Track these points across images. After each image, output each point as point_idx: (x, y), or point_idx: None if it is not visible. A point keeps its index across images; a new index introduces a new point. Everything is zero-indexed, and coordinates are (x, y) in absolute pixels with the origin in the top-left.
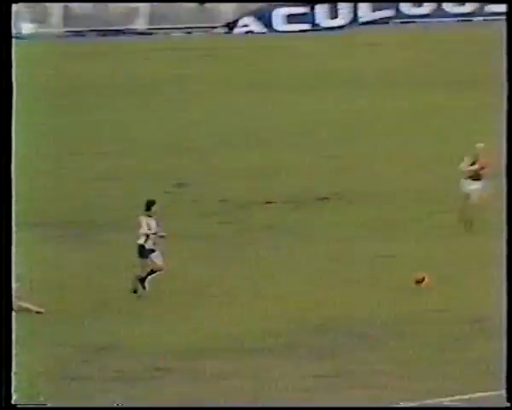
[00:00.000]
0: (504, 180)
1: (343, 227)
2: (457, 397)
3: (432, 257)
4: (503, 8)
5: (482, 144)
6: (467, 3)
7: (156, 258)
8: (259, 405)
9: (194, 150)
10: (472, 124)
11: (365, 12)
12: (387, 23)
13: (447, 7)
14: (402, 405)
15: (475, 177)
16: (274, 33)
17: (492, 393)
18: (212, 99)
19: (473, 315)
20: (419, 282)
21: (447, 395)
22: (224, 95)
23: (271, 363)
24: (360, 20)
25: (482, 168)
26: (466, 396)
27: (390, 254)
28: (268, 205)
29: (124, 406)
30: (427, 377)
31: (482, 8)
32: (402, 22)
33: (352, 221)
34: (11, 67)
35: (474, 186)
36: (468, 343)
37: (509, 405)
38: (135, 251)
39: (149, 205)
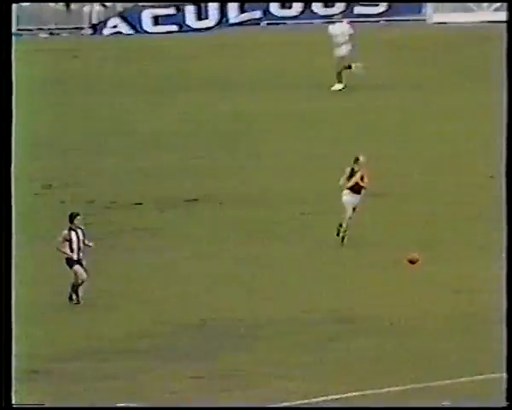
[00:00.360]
0: (504, 180)
1: (212, 228)
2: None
3: (299, 259)
4: (375, 10)
5: (363, 157)
6: (336, 4)
7: (79, 270)
8: (140, 405)
9: (63, 151)
10: (341, 126)
11: (235, 13)
12: (258, 24)
13: (316, 8)
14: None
15: (355, 190)
16: (143, 34)
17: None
18: (81, 100)
19: (343, 315)
20: (413, 262)
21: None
22: (92, 96)
23: (147, 364)
24: (230, 21)
25: (361, 180)
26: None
27: (258, 255)
28: (136, 206)
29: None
30: (301, 377)
31: (351, 9)
32: (272, 23)
33: (221, 223)
34: (11, 66)
35: (352, 199)
36: (339, 343)
37: (508, 404)
38: None
39: (72, 217)
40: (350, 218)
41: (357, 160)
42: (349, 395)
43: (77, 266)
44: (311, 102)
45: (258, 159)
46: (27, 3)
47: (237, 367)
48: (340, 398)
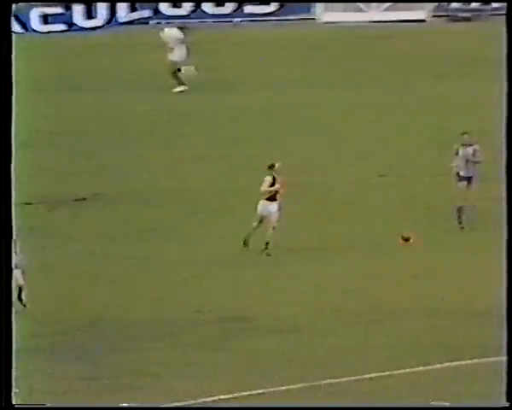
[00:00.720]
0: (504, 179)
1: (102, 228)
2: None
3: (191, 258)
4: (265, 9)
5: (279, 163)
6: (226, 4)
7: (18, 274)
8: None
9: None
10: (232, 126)
11: (124, 12)
12: (147, 23)
13: (206, 8)
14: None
15: (272, 198)
16: (31, 33)
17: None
18: None
19: (238, 314)
20: (407, 240)
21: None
22: None
23: (36, 365)
24: (119, 20)
25: (279, 188)
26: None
27: (149, 254)
28: (24, 206)
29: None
30: (193, 377)
31: (242, 9)
32: (161, 23)
33: (110, 222)
34: (11, 66)
35: (271, 207)
36: (234, 342)
37: (508, 404)
38: None
39: None
40: (274, 228)
41: (272, 166)
42: (243, 394)
43: (15, 271)
44: (203, 102)
45: (148, 158)
46: None
47: (127, 368)
48: (233, 397)
